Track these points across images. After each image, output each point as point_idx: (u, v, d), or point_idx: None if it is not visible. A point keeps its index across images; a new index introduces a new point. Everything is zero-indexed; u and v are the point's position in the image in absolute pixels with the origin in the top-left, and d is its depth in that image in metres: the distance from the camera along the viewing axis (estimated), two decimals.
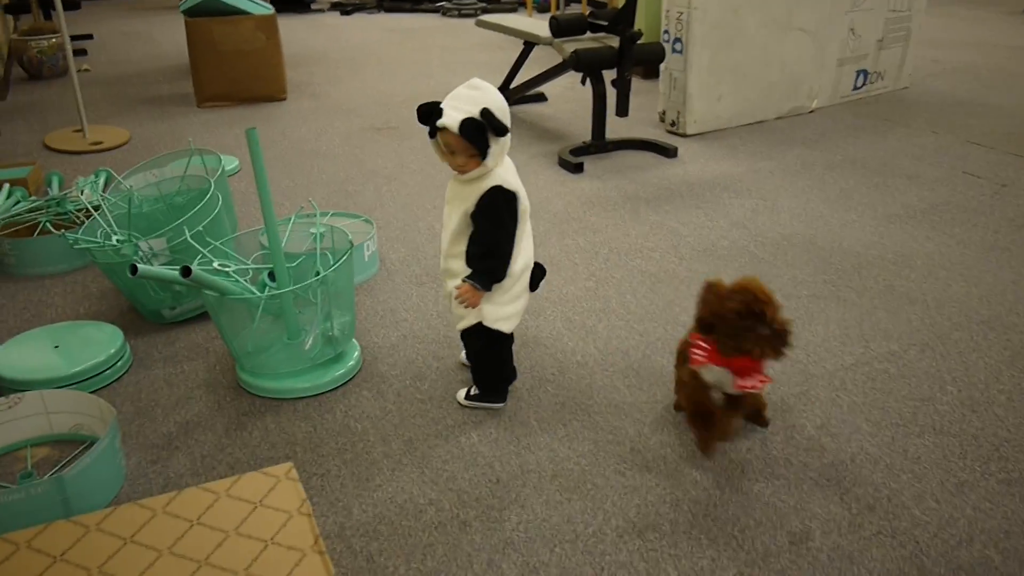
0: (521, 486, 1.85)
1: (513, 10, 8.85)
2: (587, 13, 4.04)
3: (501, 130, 1.80)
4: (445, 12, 8.57)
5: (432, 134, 1.84)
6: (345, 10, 8.61)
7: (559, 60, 4.11)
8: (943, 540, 1.69)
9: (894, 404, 2.13)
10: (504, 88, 4.80)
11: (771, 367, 2.26)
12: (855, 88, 5.01)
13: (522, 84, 4.67)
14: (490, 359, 2.08)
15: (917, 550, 1.67)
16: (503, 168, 1.90)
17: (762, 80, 4.49)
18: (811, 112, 4.79)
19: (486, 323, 1.96)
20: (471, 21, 8.22)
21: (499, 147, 1.83)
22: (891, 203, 3.45)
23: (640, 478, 1.87)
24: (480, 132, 1.78)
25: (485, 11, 8.66)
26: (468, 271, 1.92)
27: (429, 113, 1.81)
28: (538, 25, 4.49)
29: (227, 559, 1.48)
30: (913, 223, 3.24)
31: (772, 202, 3.45)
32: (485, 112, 1.77)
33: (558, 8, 7.25)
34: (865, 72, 5.01)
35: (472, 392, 2.13)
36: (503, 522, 1.75)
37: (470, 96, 1.80)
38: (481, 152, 1.81)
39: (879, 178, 3.74)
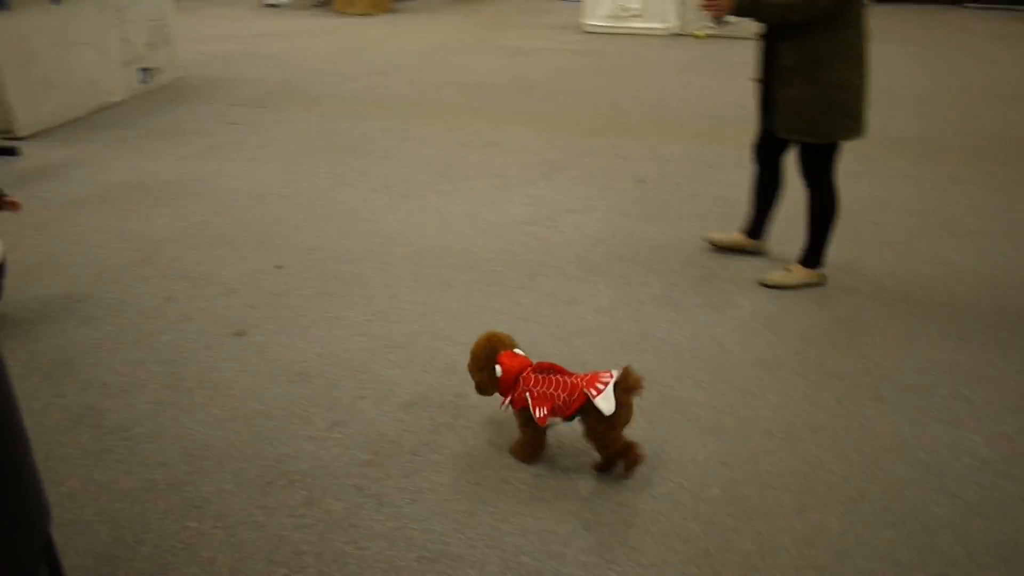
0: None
1: None
2: None
3: None
4: None
5: None
6: None
7: None
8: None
9: (345, 313, 3.88)
10: None
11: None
12: (142, 82, 6.62)
13: None
14: None
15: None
16: None
17: (70, 85, 5.81)
18: (118, 104, 6.27)
19: None
20: None
21: None
22: (185, 151, 5.19)
23: (230, 366, 3.30)
24: None
25: None
26: None
27: None
28: None
29: None
30: (217, 159, 5.03)
31: (104, 164, 4.92)
32: None
33: None
34: (146, 69, 6.65)
35: None
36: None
37: None
38: None
39: (179, 137, 5.45)
